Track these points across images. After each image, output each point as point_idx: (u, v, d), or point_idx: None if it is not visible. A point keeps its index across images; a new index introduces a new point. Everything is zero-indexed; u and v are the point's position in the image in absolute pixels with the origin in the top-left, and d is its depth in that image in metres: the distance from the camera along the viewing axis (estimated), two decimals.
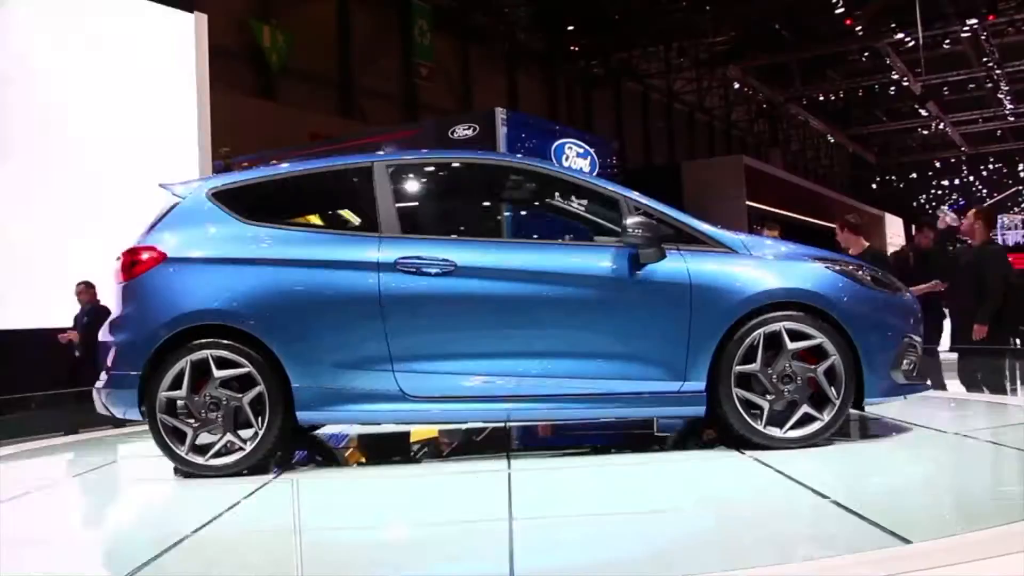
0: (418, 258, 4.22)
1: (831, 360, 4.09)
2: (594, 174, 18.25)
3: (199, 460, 4.24)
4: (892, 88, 36.13)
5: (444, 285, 4.18)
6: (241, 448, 4.22)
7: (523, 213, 5.14)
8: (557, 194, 4.84)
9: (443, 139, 17.75)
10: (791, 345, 4.09)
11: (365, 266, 4.22)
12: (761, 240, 4.58)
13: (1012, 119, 40.21)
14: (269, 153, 18.47)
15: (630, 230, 4.12)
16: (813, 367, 4.09)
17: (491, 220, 4.84)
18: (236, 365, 4.21)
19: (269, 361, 4.19)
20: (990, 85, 35.15)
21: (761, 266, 4.24)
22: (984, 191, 54.54)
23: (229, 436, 4.21)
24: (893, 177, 50.31)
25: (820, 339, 4.09)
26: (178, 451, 4.22)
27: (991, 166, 50.74)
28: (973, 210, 6.99)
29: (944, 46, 30.00)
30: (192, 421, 4.23)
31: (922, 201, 53.15)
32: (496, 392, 4.18)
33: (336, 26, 23.98)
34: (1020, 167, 49.92)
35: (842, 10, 27.07)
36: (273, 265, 4.31)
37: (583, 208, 4.71)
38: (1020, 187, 53.04)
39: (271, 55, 21.89)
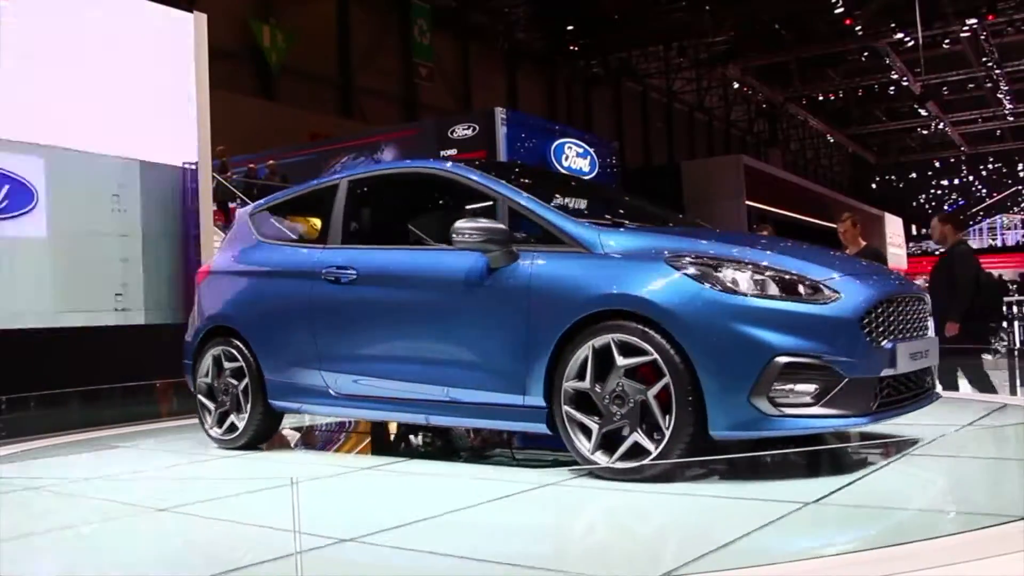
0: (336, 267, 4.53)
1: (664, 381, 3.36)
2: (594, 174, 18.33)
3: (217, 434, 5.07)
4: (892, 88, 36.18)
5: (349, 292, 4.46)
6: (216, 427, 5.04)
7: (434, 218, 4.76)
8: (459, 197, 4.60)
9: (443, 139, 17.79)
10: (621, 361, 3.46)
11: (306, 275, 4.68)
12: (635, 235, 3.84)
13: (1011, 119, 40.25)
14: (269, 153, 18.57)
15: (454, 234, 3.85)
16: (645, 388, 3.42)
17: (402, 227, 4.72)
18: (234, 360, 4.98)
19: (255, 358, 4.85)
20: (989, 85, 35.19)
21: (603, 268, 3.62)
22: (983, 191, 54.63)
23: (233, 417, 4.96)
24: (892, 177, 50.37)
25: (653, 355, 3.39)
26: (207, 426, 5.12)
27: (990, 166, 50.79)
28: (936, 218, 7.11)
29: (944, 46, 30.03)
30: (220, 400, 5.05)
31: (921, 201, 53.23)
32: (393, 395, 4.30)
33: (336, 26, 24.00)
34: (1019, 167, 49.98)
35: (842, 10, 27.11)
36: (259, 276, 5.02)
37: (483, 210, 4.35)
38: (1020, 187, 53.11)
39: (271, 55, 21.90)
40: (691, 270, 3.44)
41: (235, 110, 17.36)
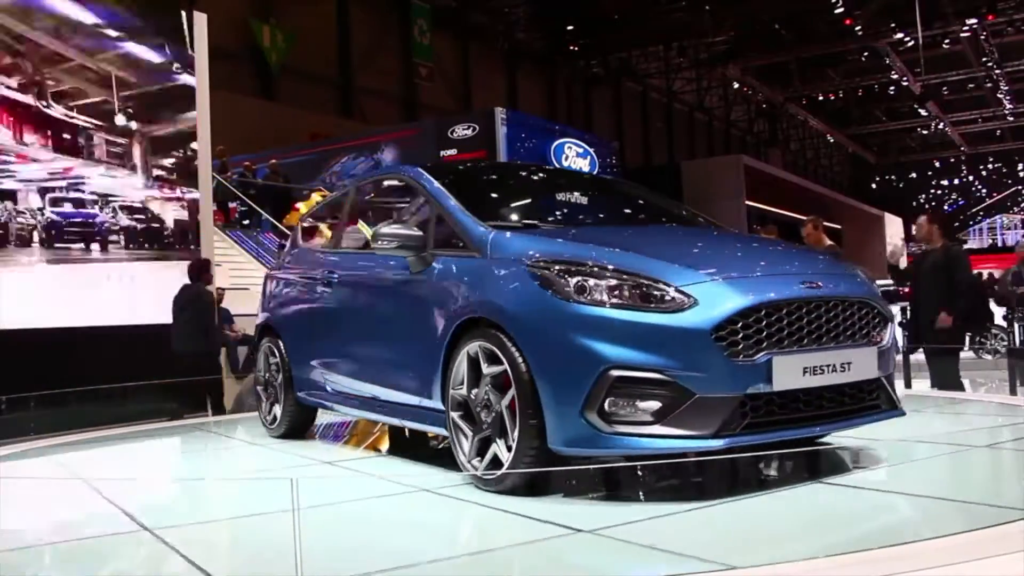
0: (328, 271, 4.79)
1: (512, 391, 3.24)
2: (593, 173, 18.33)
3: None
4: (891, 88, 36.17)
5: (330, 294, 4.74)
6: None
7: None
8: (418, 202, 4.50)
9: (443, 139, 17.81)
10: (487, 369, 3.36)
11: (314, 278, 4.96)
12: (523, 238, 3.62)
13: (1011, 119, 40.23)
14: (269, 153, 18.57)
15: (374, 240, 3.93)
16: (500, 398, 3.32)
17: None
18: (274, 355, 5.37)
19: (286, 353, 5.19)
20: (989, 85, 35.17)
21: (480, 273, 3.53)
22: (983, 191, 54.62)
23: (276, 408, 5.34)
24: (892, 177, 50.35)
25: (504, 365, 3.26)
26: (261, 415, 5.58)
27: (990, 166, 50.77)
28: (925, 216, 7.14)
29: (943, 46, 30.02)
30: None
31: (921, 200, 53.21)
32: (358, 393, 4.48)
33: (336, 26, 24.00)
34: (1019, 167, 49.96)
35: (842, 10, 27.10)
36: (289, 278, 5.37)
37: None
38: (1019, 187, 53.09)
39: (271, 55, 21.91)
40: (542, 276, 3.23)
41: (235, 110, 17.36)
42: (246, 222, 16.71)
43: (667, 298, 3.06)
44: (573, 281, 3.14)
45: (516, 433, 3.22)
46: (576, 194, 4.83)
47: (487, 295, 3.43)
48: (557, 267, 3.23)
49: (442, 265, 3.78)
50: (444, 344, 3.58)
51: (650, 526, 2.82)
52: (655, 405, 3.00)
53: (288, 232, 15.15)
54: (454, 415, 3.55)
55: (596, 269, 3.17)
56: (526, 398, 3.17)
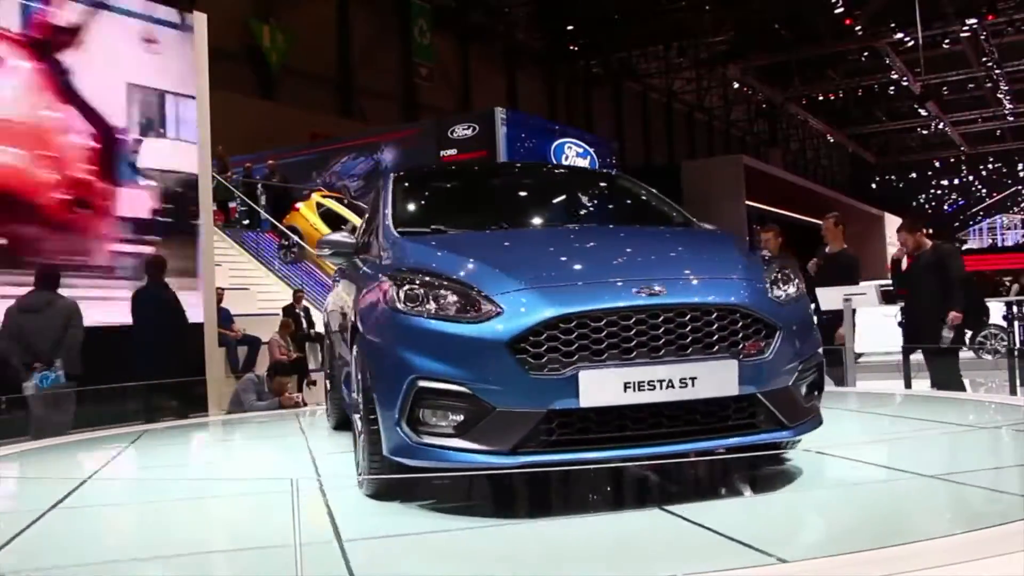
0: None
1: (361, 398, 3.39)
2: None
3: None
4: (892, 88, 36.19)
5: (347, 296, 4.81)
6: None
7: None
8: None
9: (442, 139, 17.82)
10: (355, 376, 3.54)
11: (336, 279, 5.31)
12: (403, 245, 3.65)
13: (1011, 119, 40.25)
14: (269, 153, 18.57)
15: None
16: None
17: None
18: None
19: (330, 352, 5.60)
20: (989, 85, 35.19)
21: (362, 281, 3.75)
22: (983, 191, 54.63)
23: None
24: (893, 177, 50.35)
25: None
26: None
27: (990, 166, 50.79)
28: (903, 230, 7.21)
29: (944, 46, 30.04)
30: None
31: (922, 201, 53.22)
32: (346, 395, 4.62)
33: (336, 26, 24.01)
34: (1019, 167, 49.97)
35: (841, 10, 27.11)
36: (334, 278, 5.67)
37: None
38: (1019, 187, 53.11)
39: (271, 55, 21.92)
40: (383, 285, 3.21)
41: (235, 110, 17.36)
42: (246, 222, 16.72)
43: (479, 308, 2.97)
44: (403, 291, 3.11)
45: (362, 439, 3.30)
46: (537, 193, 4.72)
47: (356, 303, 3.58)
48: (399, 276, 3.18)
49: (353, 272, 4.01)
50: (351, 348, 3.70)
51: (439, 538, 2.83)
52: (458, 418, 2.93)
53: (288, 232, 15.18)
54: (355, 416, 3.70)
55: (428, 279, 3.11)
56: (368, 405, 3.21)
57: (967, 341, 7.29)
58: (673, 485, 3.49)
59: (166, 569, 2.73)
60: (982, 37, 29.52)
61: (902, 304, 7.61)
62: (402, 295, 3.09)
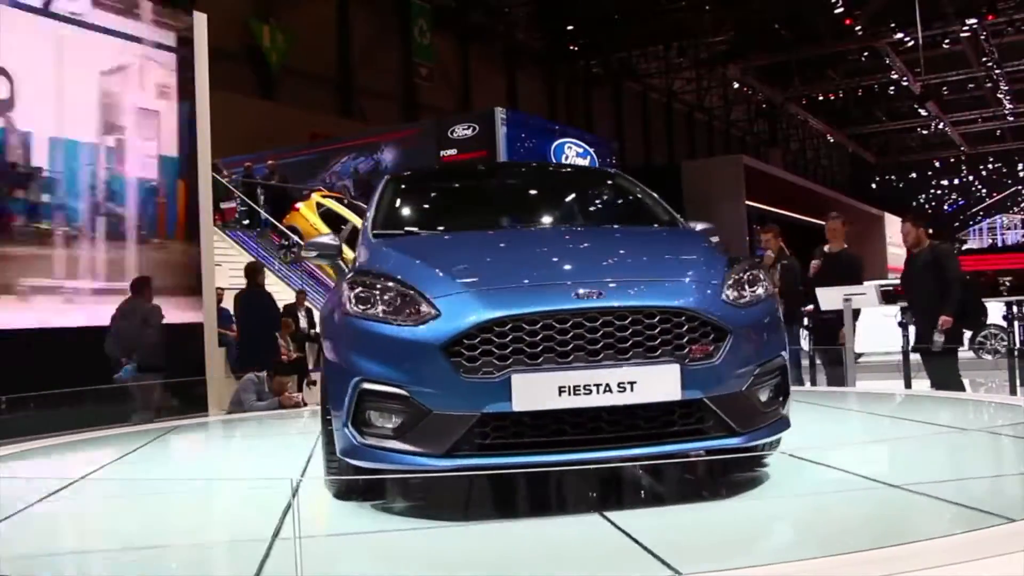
0: None
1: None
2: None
3: None
4: (892, 88, 36.18)
5: None
6: None
7: None
8: None
9: (442, 139, 17.82)
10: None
11: None
12: (376, 250, 3.72)
13: (1011, 119, 40.25)
14: (268, 153, 18.58)
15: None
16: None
17: None
18: None
19: None
20: (989, 85, 35.19)
21: (337, 283, 3.86)
22: (983, 191, 54.64)
23: None
24: (893, 177, 50.35)
25: None
26: None
27: (990, 166, 50.79)
28: (907, 223, 7.15)
29: (943, 46, 30.04)
30: None
31: (922, 201, 53.22)
32: None
33: (336, 26, 24.01)
34: (1019, 167, 49.98)
35: (841, 10, 27.11)
36: None
37: None
38: (1019, 187, 53.11)
39: (271, 55, 21.92)
40: (342, 288, 3.27)
41: (235, 110, 17.36)
42: (246, 222, 16.72)
43: (419, 311, 3.00)
44: (354, 293, 3.15)
45: (322, 439, 3.37)
46: (522, 193, 4.74)
47: (324, 306, 3.69)
48: (354, 279, 3.24)
49: (337, 274, 4.08)
50: None
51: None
52: (397, 420, 2.96)
53: (288, 232, 15.18)
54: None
55: (378, 282, 3.15)
56: (324, 406, 3.30)
57: (965, 342, 7.27)
58: (630, 490, 3.50)
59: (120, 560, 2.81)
60: (982, 37, 29.53)
61: (902, 304, 7.61)
62: (353, 298, 3.14)
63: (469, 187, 4.90)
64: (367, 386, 3.00)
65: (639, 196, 4.51)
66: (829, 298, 7.14)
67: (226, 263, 13.13)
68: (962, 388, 6.84)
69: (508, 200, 4.67)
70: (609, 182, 4.94)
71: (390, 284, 3.12)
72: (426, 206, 4.54)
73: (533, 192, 4.80)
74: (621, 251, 3.57)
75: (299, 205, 15.83)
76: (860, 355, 8.00)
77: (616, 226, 4.26)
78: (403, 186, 4.55)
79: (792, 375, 7.59)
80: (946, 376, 6.78)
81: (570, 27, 30.33)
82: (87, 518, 3.63)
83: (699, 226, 4.13)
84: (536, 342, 2.85)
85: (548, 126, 20.67)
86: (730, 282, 3.20)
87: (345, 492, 3.35)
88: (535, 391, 2.82)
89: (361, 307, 3.10)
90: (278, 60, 22.08)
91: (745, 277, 3.27)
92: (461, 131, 17.60)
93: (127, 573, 2.69)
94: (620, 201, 4.66)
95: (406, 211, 4.35)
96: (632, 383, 2.85)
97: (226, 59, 18.60)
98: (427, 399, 2.88)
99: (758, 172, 25.00)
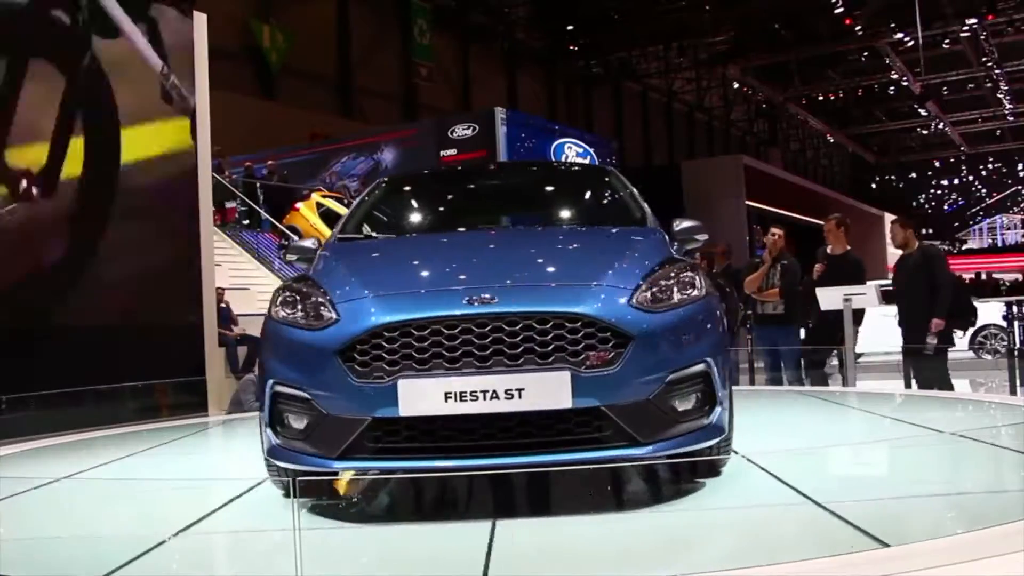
0: None
1: None
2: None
3: None
4: (891, 88, 36.21)
5: None
6: None
7: None
8: None
9: (442, 139, 17.83)
10: None
11: None
12: (327, 255, 3.76)
13: (1011, 119, 40.26)
14: (268, 153, 18.58)
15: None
16: None
17: None
18: None
19: None
20: (989, 85, 35.21)
21: None
22: (983, 190, 54.67)
23: None
24: (892, 176, 50.37)
25: None
26: None
27: (990, 166, 50.81)
28: (896, 224, 7.17)
29: (943, 46, 30.05)
30: None
31: (922, 201, 53.25)
32: None
33: (336, 26, 24.02)
34: (1019, 166, 50.00)
35: (841, 10, 27.12)
36: None
37: None
38: (1019, 187, 53.13)
39: (271, 55, 21.93)
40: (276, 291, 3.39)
41: (235, 110, 17.37)
42: (246, 222, 16.73)
43: (322, 316, 3.07)
44: (280, 299, 3.24)
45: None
46: (496, 195, 4.78)
47: None
48: (285, 284, 3.35)
49: None
50: None
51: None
52: (303, 422, 3.03)
53: (288, 232, 15.18)
54: None
55: (300, 287, 3.24)
56: (260, 408, 3.35)
57: (956, 342, 7.30)
58: (529, 497, 3.50)
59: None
60: (982, 37, 29.54)
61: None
62: (278, 303, 3.23)
63: (448, 189, 4.91)
64: (279, 388, 3.09)
65: (618, 194, 4.43)
66: (829, 298, 7.13)
67: (226, 263, 13.13)
68: (951, 388, 6.86)
69: (480, 202, 4.73)
70: (592, 180, 4.91)
71: (308, 290, 3.19)
72: (397, 209, 4.57)
73: (508, 193, 4.82)
74: (551, 254, 3.53)
75: (299, 205, 15.84)
76: (860, 355, 8.01)
77: (573, 227, 4.23)
78: (387, 190, 4.61)
79: (792, 375, 7.67)
80: (938, 376, 6.81)
81: (570, 27, 30.33)
82: (59, 515, 3.65)
83: (688, 223, 4.05)
84: (425, 347, 2.86)
85: (548, 126, 20.68)
86: (647, 285, 3.11)
87: (286, 491, 3.41)
88: (421, 396, 2.83)
89: (283, 312, 3.19)
90: (278, 60, 22.09)
91: (672, 281, 3.17)
92: (461, 131, 17.61)
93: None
94: (595, 200, 4.64)
95: (377, 214, 4.39)
96: (520, 390, 2.81)
97: (226, 59, 18.61)
98: (325, 402, 2.94)
99: (758, 172, 24.99)
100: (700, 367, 3.08)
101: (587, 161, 19.03)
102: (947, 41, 29.81)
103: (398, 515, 3.41)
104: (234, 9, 20.43)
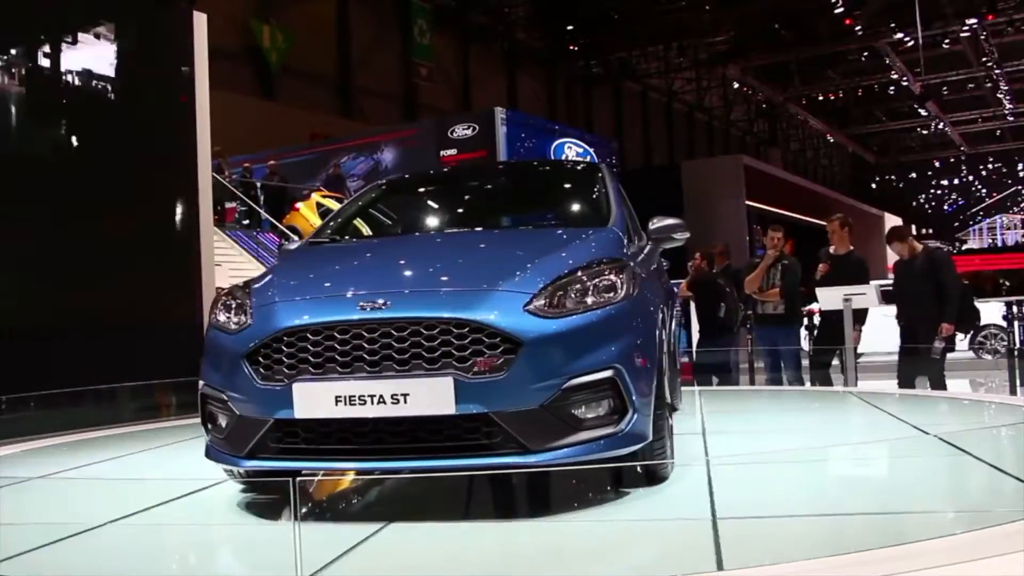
0: None
1: None
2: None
3: None
4: (891, 88, 36.20)
5: None
6: None
7: None
8: None
9: (442, 139, 17.82)
10: None
11: None
12: (292, 257, 4.05)
13: (1011, 119, 40.26)
14: (268, 153, 18.56)
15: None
16: None
17: None
18: None
19: None
20: (989, 85, 35.21)
21: None
22: (983, 190, 54.67)
23: None
24: (892, 177, 50.38)
25: None
26: None
27: (990, 166, 50.81)
28: (893, 238, 7.16)
29: (943, 46, 30.04)
30: None
31: (921, 201, 53.26)
32: None
33: (336, 26, 24.01)
34: (1019, 166, 50.00)
35: (841, 10, 27.11)
36: None
37: None
38: (1019, 187, 53.13)
39: (271, 55, 21.91)
40: None
41: (235, 110, 17.36)
42: (246, 222, 16.72)
43: (241, 321, 3.21)
44: (220, 302, 3.39)
45: None
46: (471, 197, 4.83)
47: None
48: (227, 290, 3.50)
49: None
50: None
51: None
52: (224, 422, 3.19)
53: (288, 232, 15.18)
54: None
55: (237, 291, 3.40)
56: None
57: (955, 346, 7.31)
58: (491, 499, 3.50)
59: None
60: (982, 37, 29.53)
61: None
62: (219, 305, 3.38)
63: (427, 195, 4.98)
64: (204, 390, 3.28)
65: (594, 194, 4.33)
66: (829, 298, 7.13)
67: (226, 263, 13.12)
68: (944, 387, 6.86)
69: (449, 207, 4.77)
70: (575, 179, 4.89)
71: (241, 295, 3.34)
72: (368, 214, 4.65)
73: (484, 197, 4.87)
74: (475, 258, 3.54)
75: (299, 205, 15.83)
76: (860, 355, 8.01)
77: (525, 229, 4.28)
78: (371, 193, 4.72)
79: (792, 376, 7.67)
80: (936, 378, 6.81)
81: (570, 27, 30.33)
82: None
83: (665, 222, 4.03)
84: (320, 352, 2.95)
85: (548, 126, 20.67)
86: (551, 290, 3.05)
87: (247, 488, 3.58)
88: (314, 400, 2.92)
89: (217, 316, 3.34)
90: (278, 60, 22.07)
91: (584, 284, 3.10)
92: (461, 131, 17.60)
93: None
94: (567, 200, 4.63)
95: (351, 219, 4.49)
96: (406, 395, 2.86)
97: (226, 59, 18.60)
98: (237, 404, 3.09)
99: (758, 172, 24.97)
100: (605, 374, 2.99)
101: (587, 161, 19.02)
102: (947, 41, 29.80)
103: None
104: (234, 9, 20.42)
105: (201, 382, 3.28)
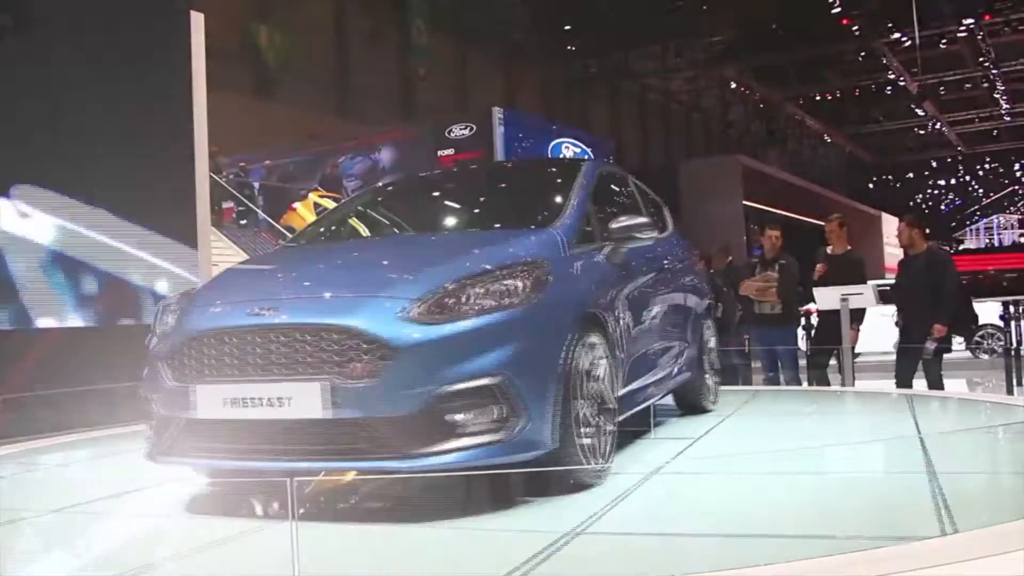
0: None
1: None
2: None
3: None
4: (889, 88, 36.19)
5: None
6: None
7: None
8: None
9: (440, 138, 17.81)
10: None
11: None
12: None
13: (1008, 119, 40.26)
14: (266, 153, 18.55)
15: None
16: None
17: None
18: None
19: None
20: (986, 85, 35.22)
21: None
22: (980, 191, 54.71)
23: None
24: (890, 177, 50.39)
25: None
26: None
27: (987, 166, 50.84)
28: (903, 222, 7.12)
29: (941, 46, 30.06)
30: None
31: (919, 200, 53.28)
32: None
33: (333, 26, 23.98)
34: (1016, 167, 50.04)
35: (839, 10, 27.12)
36: None
37: None
38: (1016, 187, 53.19)
39: (269, 55, 21.88)
40: None
41: (233, 110, 17.34)
42: (243, 222, 16.71)
43: (168, 324, 3.46)
44: (159, 307, 3.64)
45: None
46: (444, 200, 4.82)
47: None
48: (175, 295, 3.78)
49: None
50: None
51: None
52: (152, 422, 3.41)
53: (286, 232, 15.17)
54: None
55: (179, 296, 3.66)
56: None
57: (952, 348, 7.31)
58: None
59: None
60: (979, 37, 29.55)
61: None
62: (158, 310, 3.63)
63: (402, 198, 5.00)
64: (142, 391, 3.48)
65: (557, 194, 4.21)
66: (827, 298, 7.14)
67: (224, 263, 13.10)
68: (942, 387, 6.87)
69: (413, 210, 4.75)
70: (546, 178, 4.75)
71: (177, 301, 3.57)
72: (347, 217, 4.73)
73: (447, 199, 4.84)
74: (380, 263, 3.63)
75: (296, 205, 15.83)
76: (858, 355, 8.02)
77: (460, 232, 4.26)
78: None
79: (790, 376, 7.67)
80: (932, 378, 6.81)
81: (567, 27, 30.31)
82: None
83: (621, 222, 3.93)
84: (215, 356, 3.15)
85: (546, 126, 20.67)
86: (437, 296, 3.06)
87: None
88: (208, 401, 3.12)
89: (154, 321, 3.58)
90: (276, 60, 22.05)
91: (476, 289, 3.09)
92: (459, 131, 17.59)
93: None
94: (525, 200, 4.48)
95: (328, 222, 4.69)
96: (288, 399, 2.99)
97: (224, 59, 18.56)
98: (159, 404, 3.31)
99: (755, 172, 25.04)
100: (489, 380, 2.97)
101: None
102: (944, 41, 29.81)
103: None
104: (232, 9, 20.38)
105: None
